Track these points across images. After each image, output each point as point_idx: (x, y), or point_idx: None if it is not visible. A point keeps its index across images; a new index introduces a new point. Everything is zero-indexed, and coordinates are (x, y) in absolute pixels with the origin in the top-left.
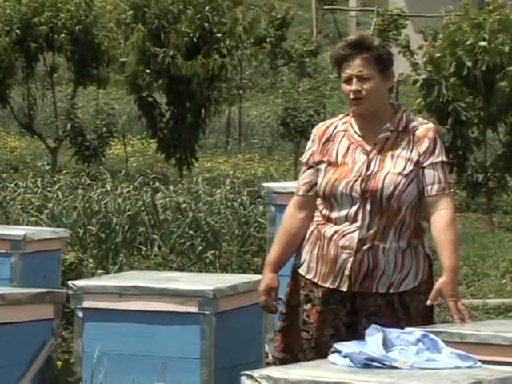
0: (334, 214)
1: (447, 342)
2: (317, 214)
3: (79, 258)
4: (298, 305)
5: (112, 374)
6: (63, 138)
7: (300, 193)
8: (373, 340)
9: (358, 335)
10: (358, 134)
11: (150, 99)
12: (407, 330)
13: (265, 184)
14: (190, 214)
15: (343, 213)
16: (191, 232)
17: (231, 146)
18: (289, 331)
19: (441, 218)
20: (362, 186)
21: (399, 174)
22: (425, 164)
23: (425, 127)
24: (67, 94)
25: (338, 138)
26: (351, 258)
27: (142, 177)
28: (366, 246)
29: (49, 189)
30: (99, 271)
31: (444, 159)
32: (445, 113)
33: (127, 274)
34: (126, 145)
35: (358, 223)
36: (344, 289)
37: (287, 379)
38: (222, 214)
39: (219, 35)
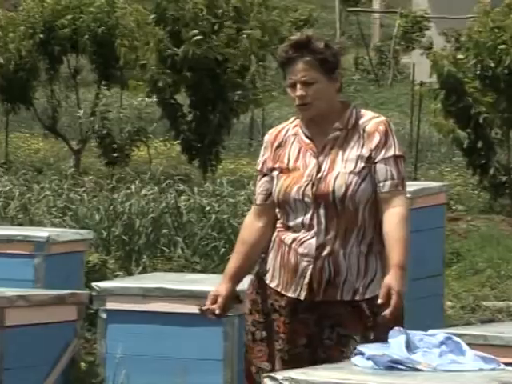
0: (291, 222)
1: (470, 345)
2: (278, 222)
3: (103, 259)
4: (268, 313)
5: (134, 376)
6: (87, 140)
7: (257, 202)
8: (396, 342)
9: (324, 345)
10: (307, 137)
11: (172, 101)
12: (430, 332)
13: None
14: (214, 216)
15: (299, 220)
16: (214, 234)
17: (254, 148)
18: (270, 340)
19: (393, 216)
20: (314, 190)
21: (350, 172)
22: (377, 159)
23: (375, 121)
24: (91, 96)
25: (289, 142)
26: (311, 266)
27: (166, 179)
28: (325, 252)
29: (73, 191)
30: (122, 273)
31: (397, 153)
32: (466, 115)
33: (150, 276)
34: (150, 147)
35: (315, 229)
36: (302, 297)
37: (310, 381)
38: (245, 215)
39: (244, 36)
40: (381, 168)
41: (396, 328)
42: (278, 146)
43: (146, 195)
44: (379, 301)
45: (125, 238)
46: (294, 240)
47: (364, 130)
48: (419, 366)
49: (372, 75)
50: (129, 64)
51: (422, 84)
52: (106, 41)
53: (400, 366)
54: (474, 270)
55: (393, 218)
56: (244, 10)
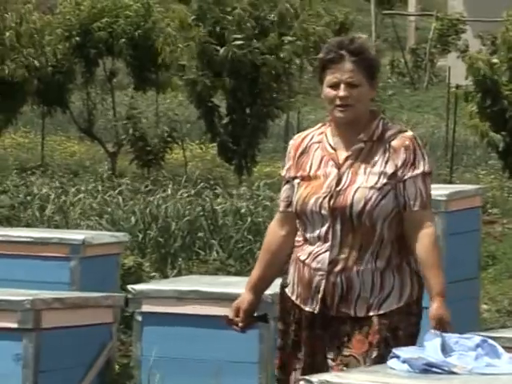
0: (308, 234)
1: (506, 348)
2: (298, 234)
3: (138, 262)
4: (289, 324)
5: (169, 378)
6: (123, 143)
7: (280, 208)
8: (431, 345)
9: (326, 364)
10: (331, 146)
11: (209, 103)
12: (466, 335)
13: None
14: (249, 219)
15: (316, 233)
16: (250, 237)
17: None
18: (285, 349)
19: (426, 237)
20: (331, 202)
21: (371, 187)
22: (405, 177)
23: (402, 136)
24: (127, 99)
25: (313, 149)
26: (324, 281)
27: (201, 182)
28: (338, 268)
29: (109, 193)
30: (158, 275)
31: (426, 170)
32: (501, 118)
33: (186, 279)
34: (186, 150)
35: (329, 243)
36: (316, 311)
37: None
38: None
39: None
40: (410, 186)
41: (432, 331)
42: (302, 153)
43: (181, 198)
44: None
45: (160, 240)
46: (309, 254)
47: (390, 145)
48: (455, 369)
49: (408, 78)
50: (169, 65)
51: (457, 87)
52: (141, 44)
53: (435, 369)
54: (509, 273)
55: (426, 241)
56: (288, 16)
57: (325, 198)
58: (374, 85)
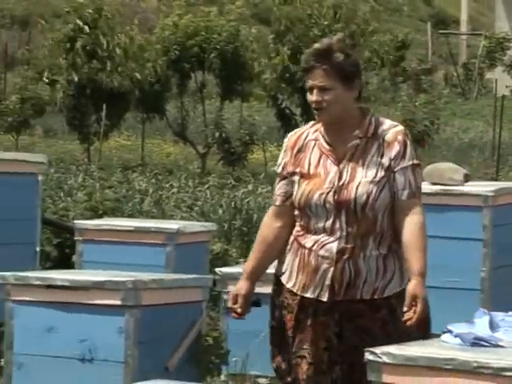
0: (312, 225)
1: None
2: (296, 224)
3: (225, 248)
4: (281, 315)
5: (253, 350)
6: (212, 145)
7: (276, 203)
8: (480, 322)
9: (346, 340)
10: (327, 144)
11: (287, 111)
12: (511, 313)
13: None
14: None
15: (320, 224)
16: None
17: None
18: (280, 342)
19: (412, 224)
20: (335, 197)
21: (371, 181)
22: (396, 169)
23: (394, 131)
24: (215, 107)
25: (310, 147)
26: (332, 268)
27: None
28: (345, 256)
29: (199, 189)
30: (242, 260)
31: (415, 162)
32: None
33: None
34: (265, 151)
35: (337, 234)
36: (324, 299)
37: (405, 355)
38: None
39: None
40: (400, 177)
41: (481, 309)
42: (299, 151)
43: (261, 193)
44: (404, 309)
45: (244, 229)
46: (315, 243)
47: (384, 139)
48: (501, 343)
49: (459, 89)
50: (253, 78)
51: (503, 97)
52: (230, 59)
53: (484, 343)
54: None
55: (412, 227)
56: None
57: (328, 192)
58: (352, 84)
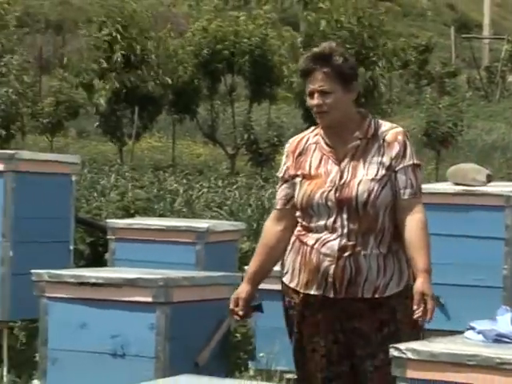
0: (314, 224)
1: None
2: (298, 225)
3: (253, 247)
4: (291, 314)
5: (281, 346)
6: (240, 147)
7: (278, 206)
8: (503, 319)
9: (338, 340)
10: (328, 145)
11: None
12: None
13: None
14: None
15: (322, 222)
16: None
17: None
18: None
19: (414, 222)
20: (337, 195)
21: (372, 179)
22: (397, 168)
23: (394, 131)
24: (244, 110)
25: (311, 150)
26: (333, 266)
27: None
28: (346, 253)
29: (228, 189)
30: None
31: (415, 162)
32: None
33: None
34: None
35: (338, 232)
36: (331, 295)
37: (430, 351)
38: None
39: (374, 59)
40: (401, 176)
41: (503, 307)
42: (300, 154)
43: None
44: (414, 307)
45: None
46: (316, 240)
47: (384, 140)
48: None
49: (482, 92)
50: (281, 80)
51: None
52: (259, 63)
53: (506, 339)
54: None
55: (415, 225)
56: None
57: (330, 191)
58: (350, 87)
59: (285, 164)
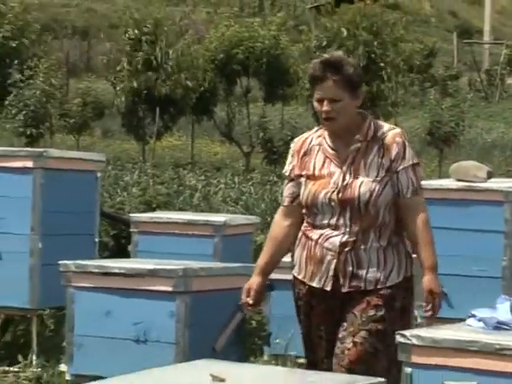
0: (318, 222)
1: None
2: (304, 221)
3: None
4: (296, 301)
5: (295, 333)
6: (255, 145)
7: (285, 203)
8: (502, 307)
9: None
10: (331, 148)
11: None
12: None
13: None
14: None
15: (325, 221)
16: None
17: None
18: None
19: (418, 220)
20: (340, 196)
21: (373, 180)
22: (398, 169)
23: (392, 133)
24: (259, 110)
25: (314, 151)
26: (335, 260)
27: None
28: (347, 248)
29: (243, 185)
30: None
31: (414, 161)
32: None
33: None
34: None
35: (341, 230)
36: (328, 288)
37: (433, 338)
38: None
39: (382, 64)
40: (403, 177)
41: (502, 296)
42: (304, 154)
43: None
44: (423, 304)
45: None
46: (320, 235)
47: (383, 142)
48: None
49: (482, 94)
50: (293, 82)
51: None
52: (272, 66)
53: (505, 327)
54: None
55: (419, 223)
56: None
57: (333, 192)
58: (357, 94)
59: (291, 163)
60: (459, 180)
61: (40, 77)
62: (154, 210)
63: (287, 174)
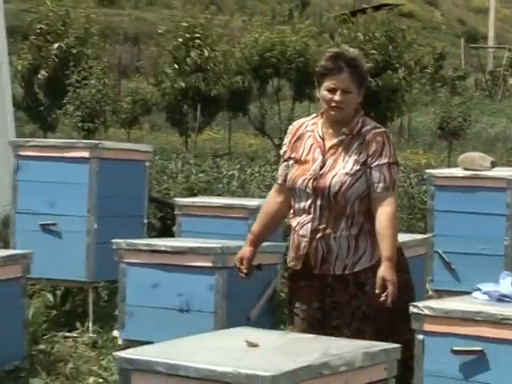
0: (296, 206)
1: None
2: (291, 206)
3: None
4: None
5: None
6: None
7: (278, 181)
8: (505, 282)
9: (326, 310)
10: (320, 136)
11: None
12: None
13: (427, 170)
14: None
15: (301, 205)
16: None
17: (402, 144)
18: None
19: (383, 214)
20: (314, 183)
21: (346, 173)
22: (372, 165)
23: (375, 132)
24: (288, 107)
25: (306, 137)
26: (307, 246)
27: None
28: (318, 235)
29: (275, 173)
30: None
31: (391, 161)
32: None
33: None
34: None
35: (311, 215)
36: (316, 271)
37: (443, 308)
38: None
39: (397, 65)
40: (375, 172)
41: (505, 272)
42: (298, 139)
43: None
44: (377, 291)
45: None
46: (297, 223)
47: (365, 138)
48: None
49: (487, 92)
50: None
51: None
52: (301, 68)
53: (507, 299)
54: None
55: (383, 217)
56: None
57: (310, 179)
58: (361, 91)
59: (285, 145)
60: (466, 169)
61: (94, 78)
62: (195, 195)
63: (282, 153)
